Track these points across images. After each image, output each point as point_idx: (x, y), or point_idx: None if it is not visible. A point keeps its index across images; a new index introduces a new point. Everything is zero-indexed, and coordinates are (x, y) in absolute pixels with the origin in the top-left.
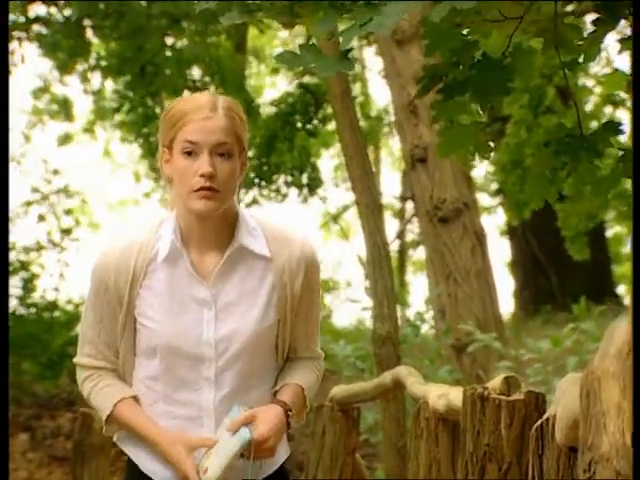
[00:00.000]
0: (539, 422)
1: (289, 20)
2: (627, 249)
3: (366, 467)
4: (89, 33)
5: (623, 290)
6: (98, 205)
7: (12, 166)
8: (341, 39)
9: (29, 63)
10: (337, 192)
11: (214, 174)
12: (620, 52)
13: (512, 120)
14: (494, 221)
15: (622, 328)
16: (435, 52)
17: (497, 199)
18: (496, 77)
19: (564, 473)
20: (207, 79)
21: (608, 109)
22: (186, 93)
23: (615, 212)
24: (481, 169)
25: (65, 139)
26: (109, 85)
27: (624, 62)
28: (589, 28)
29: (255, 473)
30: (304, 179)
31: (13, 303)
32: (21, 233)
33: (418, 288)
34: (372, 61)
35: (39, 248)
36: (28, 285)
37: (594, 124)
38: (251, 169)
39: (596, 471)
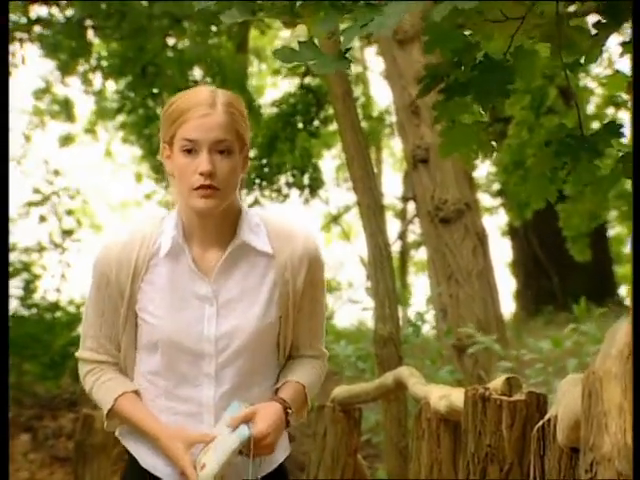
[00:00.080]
0: (540, 423)
1: (290, 20)
2: (628, 249)
3: (368, 468)
4: (90, 34)
5: (625, 291)
6: (99, 206)
7: (13, 167)
8: (342, 38)
9: (31, 64)
10: (339, 193)
11: (213, 172)
12: (622, 55)
13: (514, 121)
14: (495, 222)
15: (624, 329)
16: (435, 50)
17: (498, 200)
18: (498, 78)
19: (566, 474)
20: (209, 79)
21: (610, 110)
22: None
23: (617, 212)
24: (482, 170)
25: (66, 140)
26: (110, 86)
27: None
28: (591, 29)
29: (254, 471)
30: (305, 180)
31: (14, 304)
32: (23, 234)
33: (420, 289)
34: (373, 62)
35: (40, 249)
36: (29, 286)
37: (596, 125)
38: (252, 170)
39: (598, 472)
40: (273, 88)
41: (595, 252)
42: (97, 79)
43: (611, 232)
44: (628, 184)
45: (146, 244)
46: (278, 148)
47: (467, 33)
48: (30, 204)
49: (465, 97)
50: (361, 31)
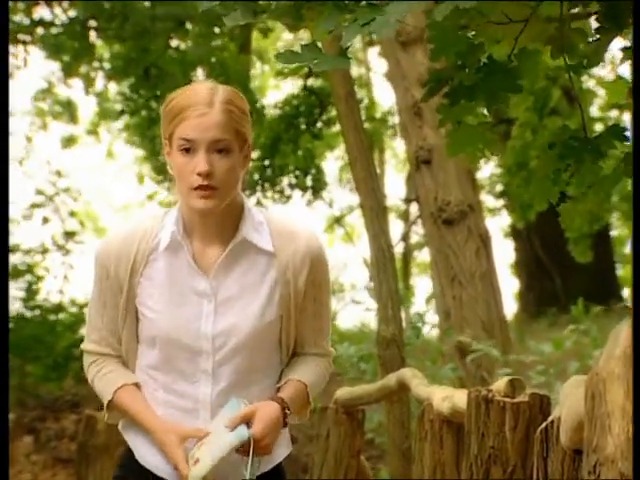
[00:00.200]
0: (544, 424)
1: (294, 22)
2: (629, 250)
3: (371, 469)
4: (93, 35)
5: (628, 292)
6: (102, 207)
7: (16, 168)
8: (343, 34)
9: (34, 66)
10: (341, 194)
11: (211, 172)
12: (622, 61)
13: (517, 122)
14: (498, 223)
15: (627, 330)
16: (441, 57)
17: (501, 201)
18: (502, 80)
19: (569, 475)
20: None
21: (614, 112)
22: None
23: (619, 214)
24: (486, 171)
25: (69, 141)
26: (112, 87)
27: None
28: (593, 33)
29: (253, 472)
30: (308, 181)
31: (17, 305)
32: (26, 235)
33: (422, 290)
34: (376, 63)
35: (43, 250)
36: (32, 287)
37: (599, 127)
38: (255, 171)
39: (601, 473)
40: (275, 90)
41: (598, 253)
42: (99, 80)
43: (614, 234)
44: (630, 185)
45: (146, 239)
46: (281, 149)
47: (470, 35)
48: (33, 206)
49: (470, 100)
50: (362, 30)
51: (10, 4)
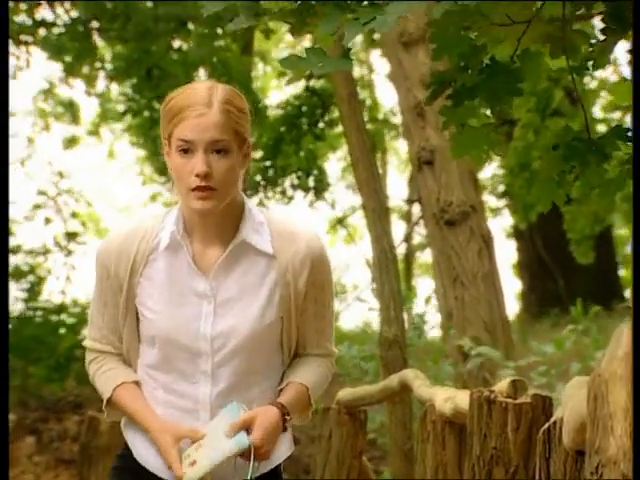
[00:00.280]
0: (546, 425)
1: (297, 24)
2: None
3: (373, 470)
4: (95, 36)
5: (630, 293)
6: (104, 208)
7: (18, 169)
8: (345, 35)
9: (37, 66)
10: (344, 195)
11: (209, 173)
12: (630, 63)
13: (519, 123)
14: (500, 223)
15: (629, 331)
16: (442, 56)
17: (503, 201)
18: (505, 81)
19: (571, 476)
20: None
21: (616, 113)
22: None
23: (622, 214)
24: (488, 171)
25: (71, 142)
26: (114, 88)
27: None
28: (598, 32)
29: (252, 478)
30: (310, 182)
31: (20, 306)
32: (28, 236)
33: (425, 291)
34: (379, 64)
35: (45, 251)
36: (35, 288)
37: (602, 128)
38: (257, 171)
39: (603, 474)
40: (278, 91)
41: (601, 254)
42: (101, 81)
43: (616, 234)
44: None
45: (146, 238)
46: (283, 150)
47: (473, 36)
48: (35, 206)
49: (473, 101)
50: (363, 29)
51: (12, 5)
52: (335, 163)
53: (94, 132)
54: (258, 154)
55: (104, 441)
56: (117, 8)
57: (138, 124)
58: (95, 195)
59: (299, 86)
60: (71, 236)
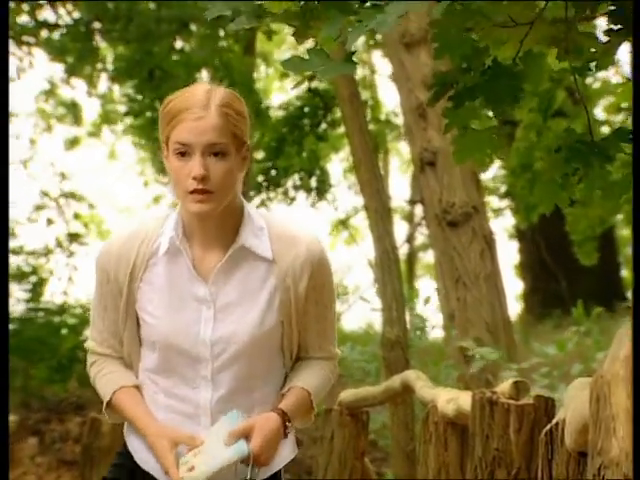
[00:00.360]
0: (548, 426)
1: (300, 27)
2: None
3: (375, 472)
4: (97, 37)
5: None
6: (106, 209)
7: (20, 170)
8: (348, 38)
9: (39, 67)
10: (346, 196)
11: (207, 176)
12: (631, 64)
13: (522, 124)
14: (502, 224)
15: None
16: (444, 56)
17: (506, 201)
18: (507, 83)
19: (573, 478)
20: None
21: (620, 116)
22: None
23: (624, 215)
24: (490, 172)
25: (72, 143)
26: (116, 89)
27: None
28: (601, 32)
29: None
30: (313, 183)
31: (22, 307)
32: (30, 237)
33: (427, 292)
34: (381, 65)
35: (47, 252)
36: (37, 289)
37: (605, 129)
38: (259, 172)
39: (605, 476)
40: (280, 92)
41: (603, 255)
42: (103, 82)
43: (619, 235)
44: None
45: (146, 243)
46: (285, 151)
47: (475, 38)
48: (37, 207)
49: (475, 102)
50: (365, 30)
51: (14, 6)
52: (337, 164)
53: (96, 133)
54: (260, 155)
55: (106, 442)
56: (119, 9)
57: (140, 125)
58: (96, 196)
59: (301, 87)
60: (73, 237)
